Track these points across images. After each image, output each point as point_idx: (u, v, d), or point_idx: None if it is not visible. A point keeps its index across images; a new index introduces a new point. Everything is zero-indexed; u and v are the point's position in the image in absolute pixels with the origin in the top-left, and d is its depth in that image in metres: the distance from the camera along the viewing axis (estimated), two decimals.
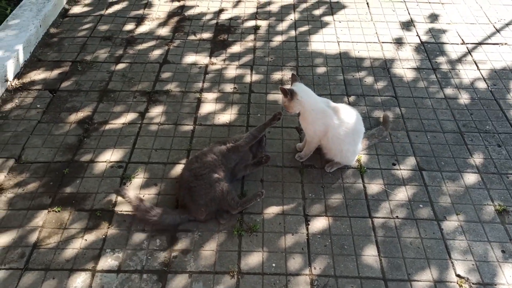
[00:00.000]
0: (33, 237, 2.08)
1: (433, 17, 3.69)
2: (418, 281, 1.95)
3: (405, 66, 3.17)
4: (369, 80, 3.05)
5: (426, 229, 2.17)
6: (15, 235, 2.09)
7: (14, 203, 2.23)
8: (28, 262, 1.98)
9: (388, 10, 3.76)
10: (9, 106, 2.80)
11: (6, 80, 2.91)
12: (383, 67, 3.16)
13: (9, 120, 2.70)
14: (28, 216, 2.17)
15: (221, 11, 3.74)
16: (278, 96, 2.90)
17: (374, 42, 3.39)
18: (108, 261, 1.99)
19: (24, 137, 2.58)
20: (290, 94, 2.16)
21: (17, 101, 2.83)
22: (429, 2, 3.87)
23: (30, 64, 3.13)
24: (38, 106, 2.80)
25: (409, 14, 3.72)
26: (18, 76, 3.02)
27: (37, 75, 3.04)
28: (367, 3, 3.84)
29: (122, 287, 1.90)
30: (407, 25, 3.59)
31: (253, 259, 2.02)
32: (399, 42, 3.40)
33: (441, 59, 3.25)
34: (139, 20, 3.60)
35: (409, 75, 3.10)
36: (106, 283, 1.91)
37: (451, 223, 2.20)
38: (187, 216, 2.12)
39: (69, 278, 1.93)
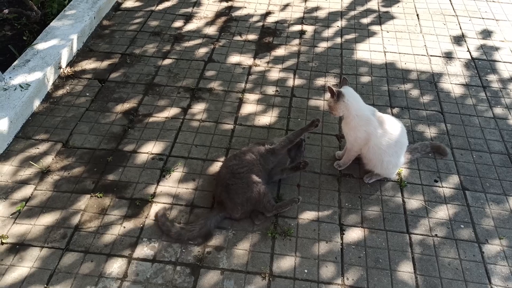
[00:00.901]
0: (75, 220, 2.16)
1: (486, 33, 3.56)
2: None
3: (454, 82, 3.08)
4: (414, 93, 2.98)
5: (466, 250, 2.09)
6: (58, 216, 2.18)
7: (59, 185, 2.32)
8: (69, 243, 2.06)
9: (439, 23, 3.66)
10: (60, 92, 2.92)
11: (60, 67, 3.04)
12: (430, 81, 3.08)
13: (60, 105, 2.82)
14: (72, 199, 2.26)
15: (268, 13, 3.76)
16: (319, 102, 2.89)
17: (422, 55, 3.31)
18: (144, 250, 2.04)
19: (72, 123, 2.69)
20: (337, 96, 2.14)
21: (68, 88, 2.96)
22: (483, 18, 3.74)
23: (82, 53, 3.26)
24: (87, 94, 2.91)
25: (460, 28, 3.61)
26: (70, 64, 3.15)
27: (88, 64, 3.16)
28: (417, 15, 3.76)
29: (156, 277, 1.94)
30: (458, 39, 3.49)
31: (285, 263, 2.02)
32: (448, 56, 3.31)
33: (492, 77, 3.13)
34: (188, 18, 3.68)
35: (457, 91, 3.01)
36: (141, 271, 1.96)
37: (493, 247, 2.11)
38: (224, 214, 2.14)
39: (106, 262, 1.99)
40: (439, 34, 3.54)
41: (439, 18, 3.73)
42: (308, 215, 2.22)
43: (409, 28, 3.60)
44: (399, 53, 3.33)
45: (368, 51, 3.34)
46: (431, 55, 3.32)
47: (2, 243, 2.05)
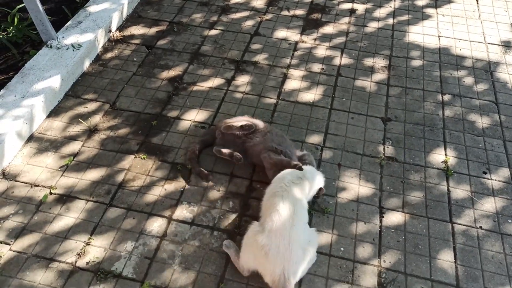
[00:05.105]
0: (119, 178, 2.22)
1: None
2: None
3: (511, 72, 2.91)
4: (468, 80, 2.84)
5: None
6: (104, 173, 2.25)
7: (105, 144, 2.39)
8: (113, 199, 2.13)
9: (500, 10, 3.45)
10: (109, 55, 2.98)
11: (110, 31, 3.09)
12: (486, 70, 2.92)
13: (108, 68, 2.88)
14: (117, 158, 2.32)
15: None
16: (366, 83, 2.80)
17: (479, 42, 3.14)
18: (183, 212, 2.08)
19: (120, 85, 2.75)
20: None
21: (116, 51, 3.01)
22: None
23: (132, 19, 3.30)
24: (134, 59, 2.95)
25: None
26: (120, 28, 3.20)
27: (137, 30, 3.20)
28: (477, 0, 3.56)
29: (194, 239, 1.98)
30: None
31: (322, 239, 2.00)
32: (507, 45, 3.12)
33: None
34: None
35: None
36: (180, 232, 2.01)
37: None
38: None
39: (147, 220, 2.05)
40: (499, 22, 3.33)
41: (501, 4, 3.51)
42: (347, 195, 2.19)
43: (467, 13, 3.41)
44: (455, 38, 3.17)
45: (421, 34, 3.20)
46: (488, 43, 3.14)
47: (51, 193, 2.14)
